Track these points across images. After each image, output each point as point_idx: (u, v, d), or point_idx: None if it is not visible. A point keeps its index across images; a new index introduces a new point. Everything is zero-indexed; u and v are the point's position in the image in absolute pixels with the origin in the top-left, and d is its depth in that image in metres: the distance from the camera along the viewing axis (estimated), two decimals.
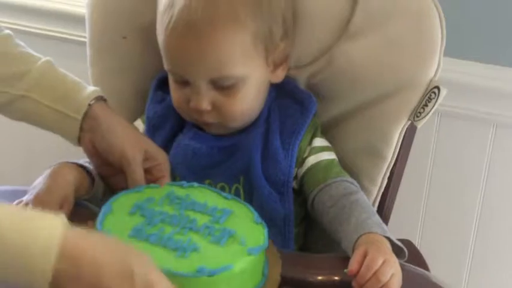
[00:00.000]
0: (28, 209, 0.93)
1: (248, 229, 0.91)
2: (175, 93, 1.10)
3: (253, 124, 1.12)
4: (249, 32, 1.04)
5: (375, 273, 0.90)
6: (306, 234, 1.19)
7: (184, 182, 1.00)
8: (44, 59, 1.09)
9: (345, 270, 0.92)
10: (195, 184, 1.00)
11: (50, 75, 1.08)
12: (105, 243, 0.79)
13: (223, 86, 1.05)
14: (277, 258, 0.95)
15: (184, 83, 1.07)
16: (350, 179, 1.11)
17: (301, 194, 1.14)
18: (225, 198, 0.98)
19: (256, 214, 0.95)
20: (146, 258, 0.78)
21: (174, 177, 1.09)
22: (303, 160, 1.12)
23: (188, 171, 1.09)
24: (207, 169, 1.11)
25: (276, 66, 1.11)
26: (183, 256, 0.84)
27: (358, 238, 0.97)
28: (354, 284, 0.91)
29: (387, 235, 0.98)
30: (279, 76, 1.12)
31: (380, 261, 0.91)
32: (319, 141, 1.14)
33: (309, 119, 1.12)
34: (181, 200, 0.95)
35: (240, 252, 0.86)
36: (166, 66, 1.09)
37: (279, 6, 1.08)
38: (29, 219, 0.76)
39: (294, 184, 1.13)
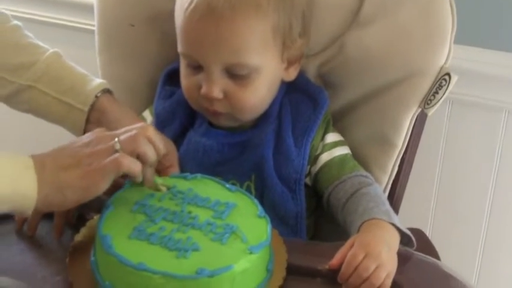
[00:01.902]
0: None
1: (251, 224, 0.90)
2: (186, 79, 1.09)
3: (265, 120, 1.11)
4: (270, 22, 1.03)
5: (356, 268, 0.89)
6: (319, 226, 1.18)
7: (188, 174, 0.98)
8: (51, 50, 1.09)
9: (326, 266, 0.92)
10: (199, 176, 0.99)
11: (57, 66, 1.08)
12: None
13: (237, 75, 1.04)
14: (283, 252, 0.93)
15: (197, 68, 1.06)
16: (365, 173, 1.10)
17: (312, 187, 1.13)
18: (229, 190, 0.96)
19: (260, 207, 0.93)
20: None
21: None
22: (316, 157, 1.12)
23: (199, 168, 1.07)
24: (218, 166, 1.10)
25: (289, 63, 1.10)
26: (184, 256, 0.83)
27: (361, 225, 0.97)
28: (338, 279, 0.90)
29: (393, 221, 0.97)
30: (290, 75, 1.11)
31: (361, 256, 0.90)
32: (331, 137, 1.13)
33: (321, 115, 1.11)
34: (184, 194, 0.94)
35: (242, 250, 0.85)
36: (180, 50, 1.07)
37: (301, 2, 1.07)
38: None
39: (307, 181, 1.12)
